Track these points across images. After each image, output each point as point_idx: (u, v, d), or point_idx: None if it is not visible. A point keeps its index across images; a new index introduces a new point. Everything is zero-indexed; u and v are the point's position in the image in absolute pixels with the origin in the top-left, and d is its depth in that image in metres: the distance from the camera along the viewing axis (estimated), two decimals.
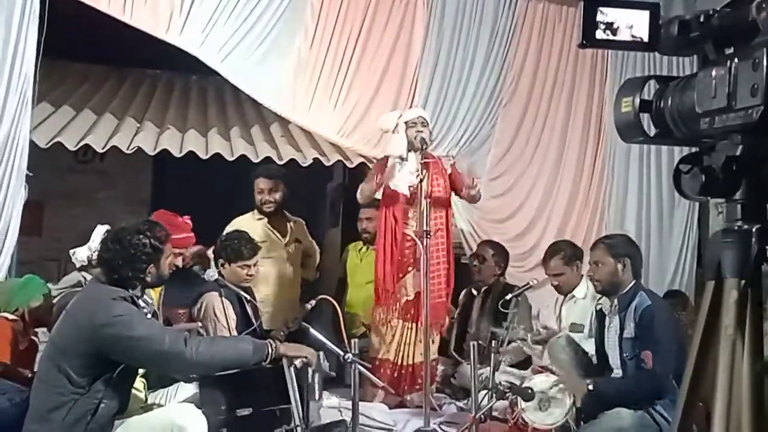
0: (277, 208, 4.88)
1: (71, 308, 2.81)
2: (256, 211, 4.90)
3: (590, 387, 3.38)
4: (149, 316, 2.93)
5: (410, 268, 4.45)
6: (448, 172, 4.55)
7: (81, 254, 4.12)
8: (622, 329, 3.46)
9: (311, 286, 5.10)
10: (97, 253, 3.97)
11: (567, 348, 3.80)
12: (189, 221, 4.11)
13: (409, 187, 4.35)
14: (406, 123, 4.46)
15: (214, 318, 3.95)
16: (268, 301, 4.74)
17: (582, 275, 4.35)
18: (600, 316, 3.70)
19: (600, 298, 3.76)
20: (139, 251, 2.84)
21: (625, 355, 3.43)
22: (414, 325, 4.46)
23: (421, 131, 4.40)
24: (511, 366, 4.45)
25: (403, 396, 4.50)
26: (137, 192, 7.47)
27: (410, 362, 4.49)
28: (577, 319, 4.26)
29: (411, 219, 4.46)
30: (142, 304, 2.89)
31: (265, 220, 4.88)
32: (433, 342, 4.40)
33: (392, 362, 4.48)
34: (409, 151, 4.39)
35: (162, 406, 3.32)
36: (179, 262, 2.98)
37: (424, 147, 4.40)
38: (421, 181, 4.33)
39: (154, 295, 3.64)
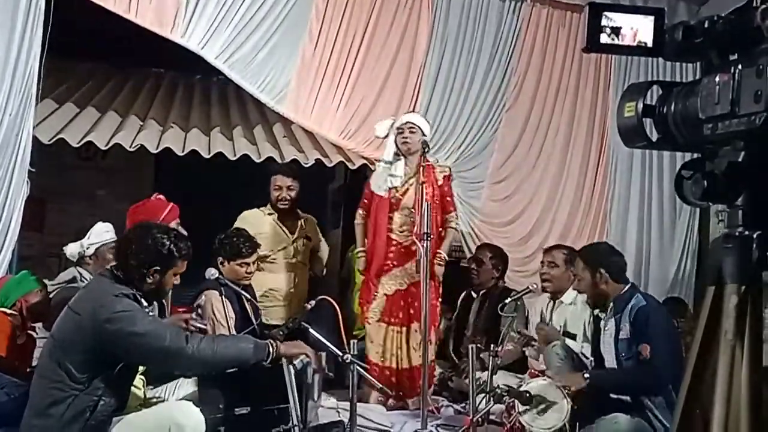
0: (291, 206, 4.89)
1: (73, 304, 2.80)
2: (269, 205, 4.90)
3: (586, 375, 3.41)
4: (151, 313, 2.93)
5: (393, 267, 4.45)
6: (439, 183, 4.50)
7: (72, 249, 4.14)
8: (617, 331, 3.47)
9: (319, 280, 5.09)
10: (104, 245, 4.03)
11: (561, 354, 3.82)
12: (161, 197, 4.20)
13: (389, 189, 4.44)
14: (396, 129, 4.50)
15: (213, 316, 3.94)
16: (273, 296, 4.74)
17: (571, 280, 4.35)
18: (596, 319, 3.72)
19: None
20: (155, 248, 2.83)
21: (621, 355, 3.44)
22: (403, 329, 4.46)
23: (407, 138, 4.43)
24: (504, 368, 4.43)
25: (403, 400, 4.49)
26: (139, 189, 7.45)
27: (406, 365, 4.47)
28: (569, 325, 4.27)
29: (396, 223, 4.45)
30: (144, 302, 2.88)
31: (276, 215, 4.88)
32: (431, 343, 4.39)
33: (385, 366, 4.46)
34: (397, 156, 4.46)
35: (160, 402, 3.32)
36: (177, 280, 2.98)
37: (426, 151, 4.39)
38: (422, 184, 4.33)
39: None
